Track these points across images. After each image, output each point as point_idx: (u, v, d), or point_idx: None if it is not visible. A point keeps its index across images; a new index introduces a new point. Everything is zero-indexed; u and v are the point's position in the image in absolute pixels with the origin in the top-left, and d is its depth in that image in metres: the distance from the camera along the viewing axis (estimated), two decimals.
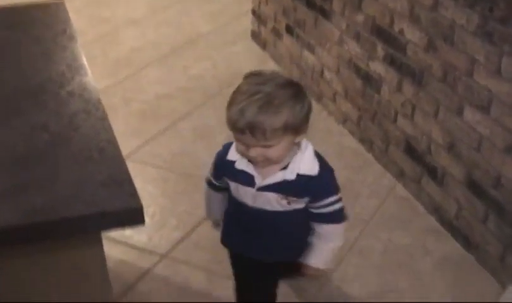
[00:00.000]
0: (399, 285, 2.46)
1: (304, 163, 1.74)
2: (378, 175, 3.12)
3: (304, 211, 1.81)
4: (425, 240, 2.70)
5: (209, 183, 1.98)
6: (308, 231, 1.89)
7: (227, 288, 2.19)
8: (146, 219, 2.67)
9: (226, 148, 1.83)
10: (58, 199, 1.26)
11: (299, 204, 1.79)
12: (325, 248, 1.88)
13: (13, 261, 1.52)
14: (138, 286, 2.42)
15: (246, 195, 1.80)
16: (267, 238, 1.88)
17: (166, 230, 2.71)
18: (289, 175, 1.72)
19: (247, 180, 1.77)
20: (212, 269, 2.48)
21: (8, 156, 1.40)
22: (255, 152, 1.65)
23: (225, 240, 2.01)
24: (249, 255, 1.92)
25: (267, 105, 1.58)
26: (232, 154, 1.78)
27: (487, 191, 2.47)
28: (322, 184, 1.76)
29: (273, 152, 1.65)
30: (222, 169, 1.84)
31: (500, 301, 2.38)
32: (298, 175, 1.72)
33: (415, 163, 2.91)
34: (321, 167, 1.76)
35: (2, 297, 1.58)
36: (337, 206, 1.81)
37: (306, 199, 1.78)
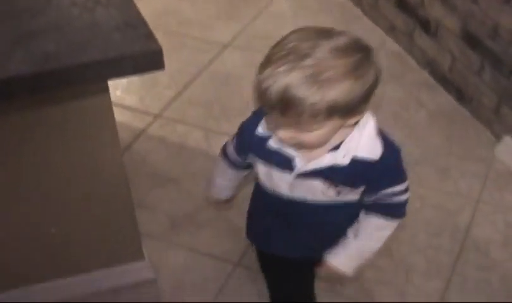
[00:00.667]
0: (395, 136, 2.45)
1: (363, 144, 1.29)
2: (368, 29, 3.05)
3: (359, 202, 1.42)
4: (418, 93, 2.69)
5: (226, 156, 1.55)
6: None
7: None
8: (136, 80, 2.63)
9: (257, 117, 1.38)
10: (71, 45, 1.18)
11: (352, 195, 1.38)
12: (358, 246, 1.44)
13: (22, 114, 1.48)
14: (135, 146, 2.39)
15: (280, 182, 1.38)
16: (307, 236, 1.50)
17: (158, 90, 2.66)
18: (341, 158, 1.29)
19: (283, 162, 1.34)
20: (208, 126, 2.46)
21: (9, 10, 1.30)
22: (284, 134, 1.23)
23: (251, 237, 1.65)
24: (283, 255, 1.55)
25: (313, 78, 1.13)
26: (265, 129, 1.36)
27: (482, 42, 2.43)
28: (386, 170, 1.33)
29: (310, 137, 1.22)
30: (250, 144, 1.40)
31: (495, 152, 2.41)
32: (354, 159, 1.29)
33: (407, 16, 2.85)
34: (385, 148, 1.31)
35: (13, 150, 1.54)
36: (402, 198, 1.38)
37: (362, 189, 1.37)
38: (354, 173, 1.31)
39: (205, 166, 2.26)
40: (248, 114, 1.44)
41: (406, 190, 1.38)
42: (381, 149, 1.30)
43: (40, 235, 1.74)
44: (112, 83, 1.51)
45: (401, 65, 2.84)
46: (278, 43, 1.20)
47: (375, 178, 1.33)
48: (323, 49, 1.15)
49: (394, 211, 1.40)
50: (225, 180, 1.61)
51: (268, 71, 1.15)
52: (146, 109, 2.56)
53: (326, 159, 1.30)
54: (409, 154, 2.36)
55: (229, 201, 1.70)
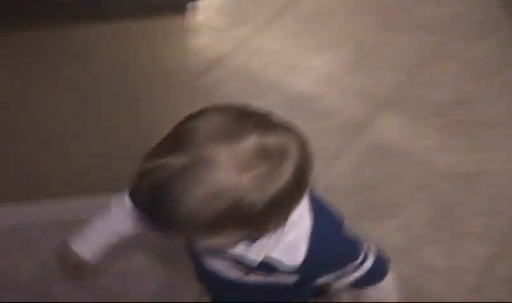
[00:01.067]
0: (475, 96, 2.40)
1: (282, 246, 1.04)
2: None
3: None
4: (507, 53, 2.58)
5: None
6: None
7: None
8: (227, 6, 2.62)
9: None
10: None
11: (271, 278, 1.11)
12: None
13: (102, 30, 1.54)
14: (208, 73, 2.42)
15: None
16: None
17: (243, 19, 2.67)
18: (253, 254, 1.05)
19: None
20: (289, 65, 2.46)
21: None
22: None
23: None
24: None
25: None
26: None
27: None
28: (318, 264, 1.08)
29: (205, 243, 0.99)
30: None
31: None
32: (267, 259, 1.05)
33: None
34: (312, 247, 1.05)
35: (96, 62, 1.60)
36: (366, 267, 1.13)
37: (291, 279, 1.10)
38: (271, 267, 1.07)
39: (274, 103, 2.27)
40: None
41: (365, 257, 1.13)
42: (303, 257, 1.04)
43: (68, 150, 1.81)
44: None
45: (494, 21, 2.72)
46: (177, 129, 0.91)
47: (312, 273, 1.10)
48: (222, 154, 0.86)
49: (371, 279, 1.17)
50: (116, 224, 1.27)
51: (150, 162, 0.88)
52: (227, 38, 2.58)
53: (238, 249, 1.04)
54: (481, 113, 2.31)
55: (92, 270, 1.32)
